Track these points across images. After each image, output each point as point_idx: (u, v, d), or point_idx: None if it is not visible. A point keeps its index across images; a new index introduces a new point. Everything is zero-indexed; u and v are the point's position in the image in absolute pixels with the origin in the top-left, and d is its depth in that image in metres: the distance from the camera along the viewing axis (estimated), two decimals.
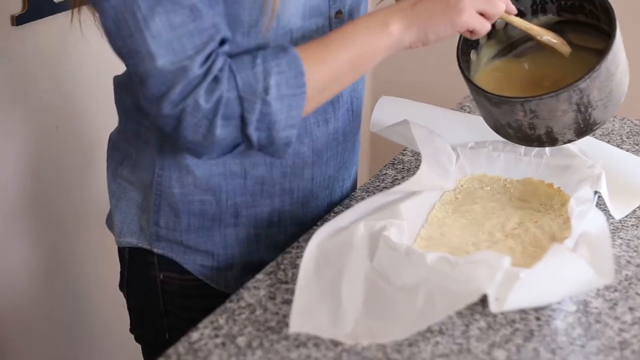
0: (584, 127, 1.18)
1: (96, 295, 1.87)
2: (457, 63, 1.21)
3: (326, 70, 1.08)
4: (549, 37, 1.21)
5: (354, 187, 1.38)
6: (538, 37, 1.20)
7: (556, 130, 1.18)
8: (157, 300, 1.26)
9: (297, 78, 1.04)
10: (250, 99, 1.02)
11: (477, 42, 1.25)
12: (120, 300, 1.36)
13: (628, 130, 1.59)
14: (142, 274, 1.27)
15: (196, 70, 1.00)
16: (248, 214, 1.22)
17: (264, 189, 1.21)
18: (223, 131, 1.02)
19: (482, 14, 1.11)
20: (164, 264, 1.24)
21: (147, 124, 1.18)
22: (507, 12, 1.15)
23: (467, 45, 1.24)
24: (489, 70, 1.27)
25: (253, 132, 1.03)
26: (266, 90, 1.02)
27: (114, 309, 1.57)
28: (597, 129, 1.20)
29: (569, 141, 1.21)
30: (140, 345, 1.36)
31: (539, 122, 1.16)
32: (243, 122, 1.03)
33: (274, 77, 1.02)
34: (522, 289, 0.96)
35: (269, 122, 1.03)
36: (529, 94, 1.15)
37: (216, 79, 1.01)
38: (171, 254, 1.23)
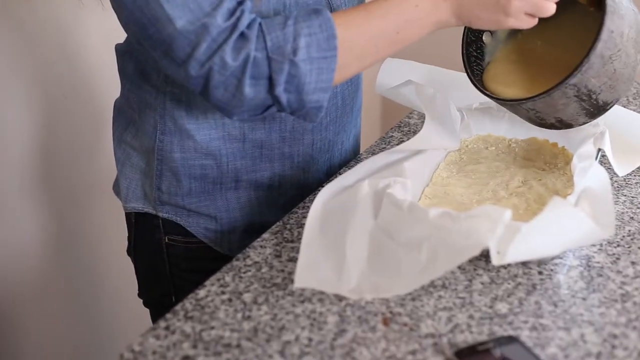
0: (595, 110, 1.15)
1: (106, 263, 1.89)
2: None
3: (363, 37, 1.06)
4: None
5: (354, 151, 1.38)
6: None
7: (566, 118, 1.16)
8: (163, 263, 1.28)
9: (328, 41, 1.02)
10: (279, 59, 1.00)
11: None
12: (131, 267, 1.38)
13: (635, 92, 1.59)
14: (148, 237, 1.28)
15: (219, 26, 0.99)
16: (248, 178, 1.23)
17: (263, 152, 1.21)
18: (252, 90, 1.01)
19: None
20: (169, 227, 1.25)
21: (149, 89, 1.19)
22: None
23: (476, 31, 1.20)
24: (507, 52, 1.23)
25: (282, 94, 1.02)
26: (295, 52, 1.00)
27: (125, 277, 1.58)
28: (611, 107, 1.16)
29: (585, 123, 1.18)
30: (149, 311, 1.38)
31: (545, 115, 1.15)
32: (271, 83, 1.01)
33: (303, 38, 1.01)
34: (522, 241, 0.96)
35: (297, 84, 1.02)
36: (546, 78, 1.12)
37: (243, 36, 1.00)
38: (176, 218, 1.24)
